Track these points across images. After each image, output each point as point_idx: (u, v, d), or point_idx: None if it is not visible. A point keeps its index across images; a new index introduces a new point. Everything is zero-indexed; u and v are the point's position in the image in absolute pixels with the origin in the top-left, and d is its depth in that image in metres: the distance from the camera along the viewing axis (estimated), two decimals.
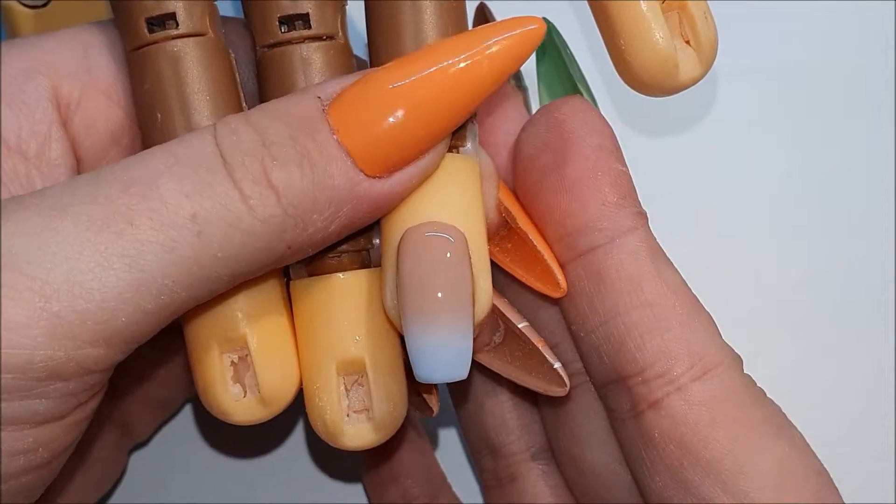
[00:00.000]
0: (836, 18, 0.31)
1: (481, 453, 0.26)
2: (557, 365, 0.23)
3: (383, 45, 0.22)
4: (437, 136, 0.20)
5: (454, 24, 0.22)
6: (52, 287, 0.18)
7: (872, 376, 0.29)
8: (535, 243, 0.23)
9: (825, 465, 0.26)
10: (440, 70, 0.19)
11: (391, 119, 0.19)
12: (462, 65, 0.19)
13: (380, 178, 0.20)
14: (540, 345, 0.23)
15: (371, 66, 0.22)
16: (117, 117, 0.23)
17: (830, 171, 0.30)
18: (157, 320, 0.19)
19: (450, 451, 0.29)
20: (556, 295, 0.23)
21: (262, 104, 0.20)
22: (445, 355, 0.20)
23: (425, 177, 0.20)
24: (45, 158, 0.21)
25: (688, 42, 0.22)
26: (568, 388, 0.23)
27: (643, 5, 0.21)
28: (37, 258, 0.18)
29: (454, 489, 0.28)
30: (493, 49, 0.19)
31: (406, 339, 0.20)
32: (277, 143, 0.19)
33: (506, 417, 0.25)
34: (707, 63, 0.22)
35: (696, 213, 0.30)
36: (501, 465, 0.25)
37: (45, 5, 0.27)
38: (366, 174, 0.19)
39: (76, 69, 0.22)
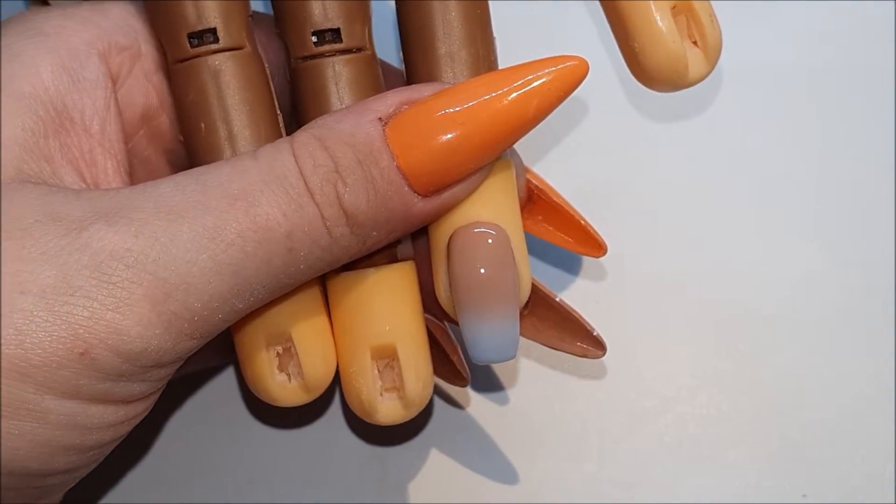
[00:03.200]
0: (836, 19, 0.31)
1: None
2: (596, 332, 0.26)
3: (416, 49, 0.23)
4: (485, 160, 0.22)
5: (481, 26, 0.23)
6: (172, 286, 0.20)
7: (872, 376, 0.29)
8: (573, 213, 0.26)
9: (826, 465, 0.28)
10: (490, 102, 0.21)
11: (444, 147, 0.21)
12: (511, 99, 0.21)
13: (430, 196, 0.22)
14: (576, 315, 0.26)
15: (405, 66, 0.24)
16: (152, 99, 0.24)
17: (830, 171, 0.30)
18: (239, 317, 0.21)
19: (452, 449, 0.29)
20: (599, 255, 0.26)
21: (327, 122, 0.21)
22: (497, 339, 0.23)
23: (471, 193, 0.22)
24: (106, 135, 0.23)
25: (695, 42, 0.24)
26: (606, 352, 0.26)
27: (655, 12, 0.23)
28: (162, 260, 0.20)
29: (456, 488, 0.29)
30: (543, 82, 0.21)
31: (461, 328, 0.23)
32: (347, 169, 0.21)
33: None
34: (713, 62, 0.24)
35: (698, 214, 0.30)
36: None
37: None
38: (419, 195, 0.21)
39: (127, 49, 0.24)
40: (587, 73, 0.21)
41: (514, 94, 0.21)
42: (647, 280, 0.30)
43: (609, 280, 0.30)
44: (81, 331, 0.19)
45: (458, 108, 0.21)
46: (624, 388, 0.29)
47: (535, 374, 0.30)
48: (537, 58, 0.22)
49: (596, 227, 0.27)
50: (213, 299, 0.20)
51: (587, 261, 0.30)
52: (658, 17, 0.23)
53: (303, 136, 0.21)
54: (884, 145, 0.30)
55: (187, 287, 0.20)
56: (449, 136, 0.21)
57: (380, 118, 0.21)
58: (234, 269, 0.20)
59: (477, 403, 0.30)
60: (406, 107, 0.21)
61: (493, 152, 0.22)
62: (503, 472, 0.29)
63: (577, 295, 0.30)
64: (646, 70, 0.23)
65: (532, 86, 0.21)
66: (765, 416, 0.29)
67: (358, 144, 0.21)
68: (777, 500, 0.28)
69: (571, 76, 0.21)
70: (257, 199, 0.20)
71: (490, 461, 0.29)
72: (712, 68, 0.24)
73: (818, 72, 0.31)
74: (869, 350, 0.29)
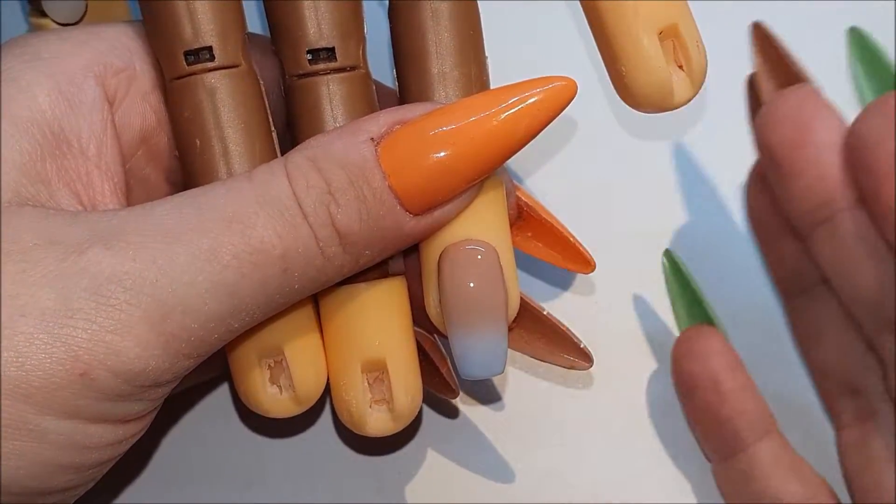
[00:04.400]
0: (835, 19, 0.31)
1: (839, 394, 0.27)
2: (583, 344, 0.26)
3: (409, 68, 0.24)
4: (476, 179, 0.22)
5: (473, 46, 0.24)
6: (170, 307, 0.20)
7: None
8: (561, 230, 0.27)
9: (825, 465, 0.27)
10: (480, 123, 0.21)
11: (435, 167, 0.21)
12: (500, 120, 0.21)
13: (421, 215, 0.22)
14: (564, 328, 0.26)
15: (398, 86, 0.24)
16: (150, 119, 0.25)
17: None
18: (234, 336, 0.21)
19: (450, 451, 0.29)
20: (587, 271, 0.27)
21: (320, 142, 0.22)
22: (485, 355, 0.23)
23: (462, 211, 0.23)
24: (103, 157, 0.23)
25: (680, 66, 0.24)
26: (593, 364, 0.26)
27: (642, 36, 0.23)
28: (160, 282, 0.20)
29: (459, 487, 0.29)
30: (532, 104, 0.21)
31: (451, 344, 0.23)
32: (340, 190, 0.21)
33: (865, 359, 0.26)
34: (698, 85, 0.24)
35: (698, 214, 0.31)
36: (861, 404, 0.26)
37: (76, 23, 0.28)
38: (411, 214, 0.22)
39: (123, 71, 0.24)
40: (576, 93, 0.22)
41: (505, 115, 0.21)
42: (648, 282, 0.30)
43: (610, 283, 0.30)
44: (81, 352, 0.20)
45: (449, 128, 0.21)
46: (623, 389, 0.29)
47: (532, 374, 0.30)
48: (528, 77, 0.22)
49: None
50: (209, 320, 0.20)
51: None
52: (645, 42, 0.23)
53: (296, 157, 0.22)
54: None
55: (185, 308, 0.20)
56: (440, 155, 0.21)
57: (372, 138, 0.22)
58: (230, 290, 0.20)
59: (475, 404, 0.30)
60: (398, 127, 0.22)
61: (484, 171, 0.22)
62: (501, 473, 0.29)
63: (576, 297, 0.30)
64: (632, 92, 0.24)
65: (522, 106, 0.21)
66: None
67: (350, 165, 0.21)
68: None
69: (560, 96, 0.22)
70: (252, 222, 0.21)
71: (488, 462, 0.29)
72: (697, 91, 0.24)
73: (817, 72, 0.31)
74: None
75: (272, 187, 0.21)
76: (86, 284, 0.20)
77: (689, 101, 0.24)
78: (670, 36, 0.23)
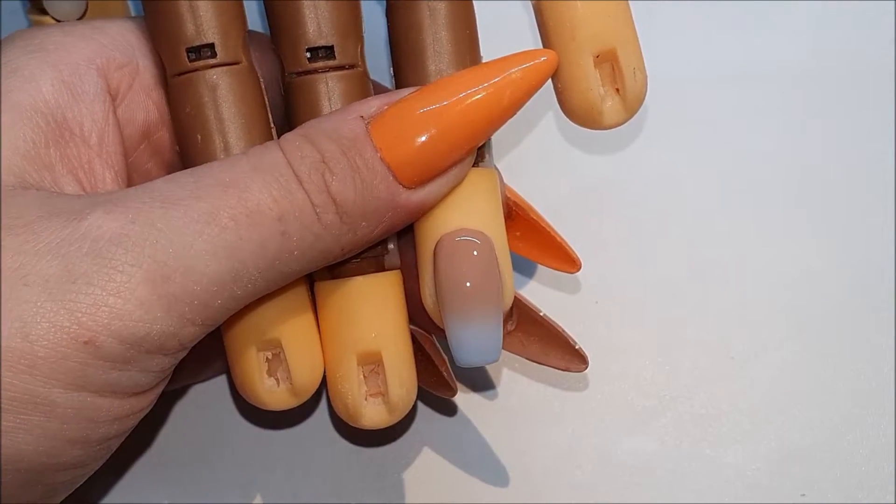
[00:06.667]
0: (835, 18, 0.32)
1: None
2: (578, 346, 0.26)
3: (407, 66, 0.24)
4: (464, 153, 0.23)
5: (469, 45, 0.24)
6: (171, 269, 0.20)
7: (872, 375, 0.29)
8: (549, 230, 0.27)
9: (825, 464, 0.28)
10: (466, 96, 0.22)
11: (424, 139, 0.22)
12: (485, 92, 0.22)
13: (415, 188, 0.22)
14: (559, 329, 0.26)
15: (395, 83, 0.25)
16: (153, 114, 0.25)
17: (829, 171, 0.31)
18: (239, 305, 0.22)
19: (451, 450, 0.30)
20: (573, 271, 0.27)
21: (312, 123, 0.22)
22: (480, 343, 0.23)
23: (454, 186, 0.23)
24: (105, 146, 0.24)
25: (618, 89, 0.24)
26: (589, 365, 0.26)
27: (577, 58, 0.23)
28: (160, 244, 0.20)
29: (456, 489, 0.29)
30: (514, 76, 0.22)
31: (446, 332, 0.23)
32: (333, 159, 0.22)
33: None
34: (631, 111, 0.24)
35: (698, 214, 0.31)
36: None
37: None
38: (404, 186, 0.22)
39: (126, 66, 0.24)
40: (556, 66, 0.23)
41: (490, 87, 0.22)
42: (648, 280, 0.30)
43: (610, 281, 0.30)
44: (85, 318, 0.20)
45: (436, 105, 0.22)
46: (624, 388, 0.30)
47: (533, 373, 0.30)
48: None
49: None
50: (212, 283, 0.21)
51: (587, 263, 0.29)
52: (577, 64, 0.23)
53: (290, 134, 0.22)
54: (884, 144, 0.31)
55: (185, 269, 0.20)
56: (429, 128, 0.22)
57: (362, 116, 0.22)
58: (229, 252, 0.21)
59: (475, 405, 0.30)
60: (387, 106, 0.22)
61: (473, 143, 0.23)
62: (502, 472, 0.29)
63: (577, 295, 0.30)
64: (565, 108, 0.24)
65: (505, 76, 0.22)
66: (764, 416, 0.29)
67: (342, 139, 0.22)
68: (776, 499, 0.29)
69: (542, 69, 0.23)
70: (248, 186, 0.21)
71: (489, 461, 0.29)
72: (630, 116, 0.24)
73: (816, 71, 0.31)
74: (868, 349, 0.30)
75: (267, 157, 0.22)
76: (87, 249, 0.20)
77: (620, 124, 0.24)
78: (610, 59, 0.24)
